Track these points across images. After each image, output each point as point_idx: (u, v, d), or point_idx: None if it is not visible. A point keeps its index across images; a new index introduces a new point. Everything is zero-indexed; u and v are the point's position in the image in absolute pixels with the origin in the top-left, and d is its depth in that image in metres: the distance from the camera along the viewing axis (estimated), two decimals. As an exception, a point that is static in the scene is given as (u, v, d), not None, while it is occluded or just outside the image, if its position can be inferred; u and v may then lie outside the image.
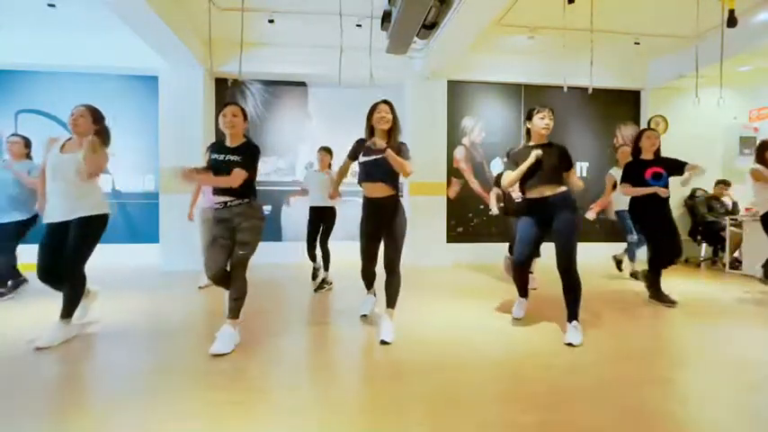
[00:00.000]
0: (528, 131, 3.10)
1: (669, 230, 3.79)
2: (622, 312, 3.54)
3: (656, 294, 3.86)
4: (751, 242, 5.36)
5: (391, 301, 2.90)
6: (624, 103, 7.00)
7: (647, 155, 3.85)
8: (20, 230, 3.96)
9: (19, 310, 3.47)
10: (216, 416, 1.78)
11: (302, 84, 6.55)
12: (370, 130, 2.88)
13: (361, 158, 2.90)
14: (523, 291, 3.31)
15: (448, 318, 3.35)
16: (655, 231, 3.84)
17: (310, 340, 2.85)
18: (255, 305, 3.62)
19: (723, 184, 6.24)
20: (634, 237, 4.91)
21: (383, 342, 2.70)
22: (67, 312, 2.73)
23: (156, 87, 5.95)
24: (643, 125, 6.91)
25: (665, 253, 3.81)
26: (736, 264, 5.70)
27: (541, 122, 2.97)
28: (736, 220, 5.67)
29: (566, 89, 5.19)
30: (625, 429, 1.71)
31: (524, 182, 3.00)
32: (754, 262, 5.30)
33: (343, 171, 3.21)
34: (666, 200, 3.77)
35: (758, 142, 4.40)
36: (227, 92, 6.37)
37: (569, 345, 2.67)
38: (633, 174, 3.83)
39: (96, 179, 2.87)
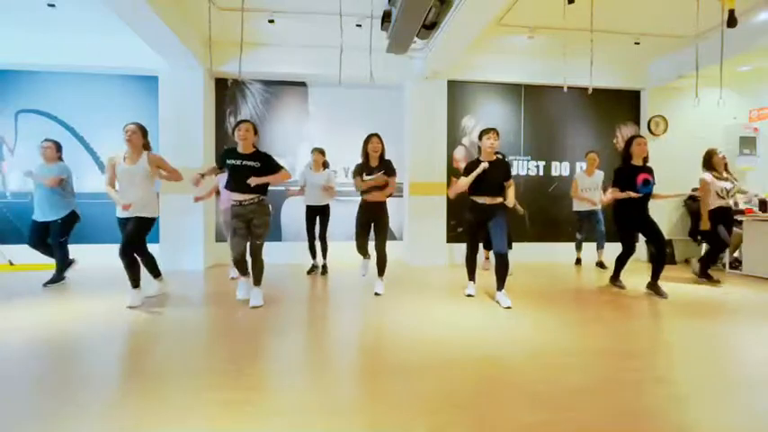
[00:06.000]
0: (479, 149, 3.82)
1: (655, 234, 4.10)
2: (622, 312, 3.54)
3: (616, 280, 4.51)
4: (751, 242, 5.37)
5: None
6: (624, 103, 7.00)
7: (637, 161, 4.14)
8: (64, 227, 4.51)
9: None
10: (216, 416, 1.78)
11: (302, 84, 6.55)
12: (366, 155, 4.00)
13: (366, 177, 3.94)
14: (472, 275, 4.14)
15: (448, 317, 3.35)
16: (633, 234, 4.31)
17: (310, 340, 2.86)
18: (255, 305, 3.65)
19: (723, 184, 6.24)
20: (580, 235, 6.08)
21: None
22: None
23: (156, 87, 5.95)
24: (643, 125, 6.91)
25: (655, 260, 4.19)
26: (736, 264, 5.70)
27: (488, 142, 3.70)
28: (736, 220, 5.66)
29: (566, 89, 5.20)
30: (625, 429, 1.71)
31: (472, 189, 3.76)
32: (754, 262, 5.31)
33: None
34: (647, 205, 4.15)
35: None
36: (227, 92, 6.38)
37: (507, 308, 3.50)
38: (624, 179, 4.10)
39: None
